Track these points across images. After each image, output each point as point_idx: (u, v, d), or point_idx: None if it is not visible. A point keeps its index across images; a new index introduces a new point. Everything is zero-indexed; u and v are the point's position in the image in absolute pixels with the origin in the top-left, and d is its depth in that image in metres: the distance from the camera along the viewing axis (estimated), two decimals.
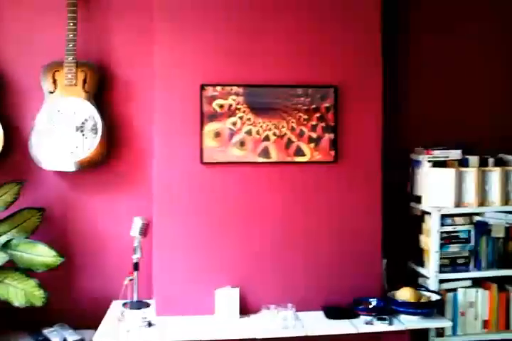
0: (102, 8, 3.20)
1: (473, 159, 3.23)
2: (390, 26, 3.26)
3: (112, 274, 3.22)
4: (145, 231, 3.14)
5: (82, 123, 3.10)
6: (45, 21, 3.17)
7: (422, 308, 2.93)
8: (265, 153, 3.04)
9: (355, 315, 2.98)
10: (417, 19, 3.48)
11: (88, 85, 3.13)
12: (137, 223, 3.13)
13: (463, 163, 3.23)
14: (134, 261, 3.13)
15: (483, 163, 3.25)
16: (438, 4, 3.50)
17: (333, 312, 3.01)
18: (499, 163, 3.29)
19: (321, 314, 3.03)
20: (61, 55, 3.08)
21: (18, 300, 2.81)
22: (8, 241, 2.98)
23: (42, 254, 2.96)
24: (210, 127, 3.02)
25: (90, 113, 3.11)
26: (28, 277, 2.86)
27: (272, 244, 3.08)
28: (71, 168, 3.10)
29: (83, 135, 3.10)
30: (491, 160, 3.25)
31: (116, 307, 3.12)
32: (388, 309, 2.98)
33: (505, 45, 3.59)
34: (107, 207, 3.24)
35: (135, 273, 3.12)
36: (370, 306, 3.01)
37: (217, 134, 3.03)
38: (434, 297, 3.01)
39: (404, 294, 2.98)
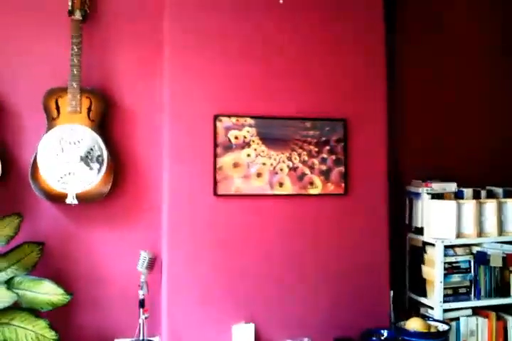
0: (107, 32, 3.10)
1: (468, 191, 3.38)
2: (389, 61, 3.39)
3: (114, 311, 3.08)
4: (152, 265, 3.02)
5: (88, 152, 2.97)
6: (46, 45, 3.03)
7: (433, 338, 2.99)
8: (280, 184, 3.04)
9: None
10: (411, 54, 3.63)
11: (93, 113, 3.01)
12: (144, 257, 3.01)
13: (458, 195, 3.37)
14: (141, 297, 3.00)
15: (475, 195, 3.40)
16: (430, 41, 3.68)
17: None
18: (490, 195, 3.45)
19: None
20: (63, 80, 2.96)
21: None
22: (11, 279, 2.77)
23: (48, 292, 2.76)
24: (225, 159, 2.98)
25: (95, 142, 2.97)
26: (37, 317, 2.66)
27: (284, 278, 3.05)
28: (73, 200, 2.95)
29: (88, 165, 2.96)
30: (483, 193, 3.41)
31: None
32: (400, 340, 3.02)
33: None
34: (110, 241, 3.09)
35: (141, 310, 3.00)
36: (383, 337, 3.05)
37: (233, 166, 3.00)
38: (441, 326, 3.08)
39: (414, 324, 3.03)
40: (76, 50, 2.98)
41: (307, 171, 3.07)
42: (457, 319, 3.21)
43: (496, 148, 3.74)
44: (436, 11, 3.68)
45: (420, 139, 3.62)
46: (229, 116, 2.98)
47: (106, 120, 3.07)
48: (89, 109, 3.01)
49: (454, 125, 3.68)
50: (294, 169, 3.06)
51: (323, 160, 3.10)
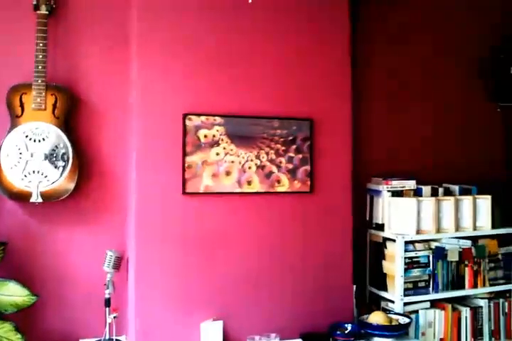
0: (74, 28, 3.04)
1: (427, 189, 3.49)
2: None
3: (79, 311, 3.03)
4: (118, 264, 2.99)
5: (52, 150, 2.91)
6: (10, 40, 2.94)
7: (396, 331, 3.09)
8: (248, 183, 3.07)
9: None
10: (376, 54, 3.71)
11: (58, 110, 2.94)
12: (110, 256, 2.98)
13: (417, 192, 3.48)
14: (107, 296, 2.97)
15: (433, 193, 3.52)
16: (390, 47, 3.76)
17: (313, 339, 3.08)
18: (447, 192, 3.58)
19: None
20: (27, 77, 2.89)
21: None
22: None
23: (12, 294, 2.71)
24: (194, 157, 2.98)
25: (60, 140, 2.92)
26: (2, 320, 2.61)
27: (251, 274, 3.08)
28: (38, 198, 2.88)
29: (52, 164, 2.90)
30: (440, 190, 3.54)
31: None
32: (363, 333, 3.11)
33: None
34: (76, 240, 3.03)
35: (107, 309, 2.97)
36: (346, 331, 3.13)
37: (202, 164, 2.99)
38: (402, 319, 3.19)
39: (377, 318, 3.12)
40: (41, 45, 2.91)
41: (274, 169, 3.11)
42: (416, 312, 3.33)
43: (452, 148, 3.88)
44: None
45: (382, 138, 3.71)
46: (198, 114, 2.98)
47: (71, 117, 3.01)
48: (54, 106, 2.94)
49: (414, 126, 3.80)
50: (261, 167, 3.09)
51: (290, 159, 3.14)
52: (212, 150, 3.01)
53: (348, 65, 3.29)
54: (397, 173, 3.57)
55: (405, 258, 3.28)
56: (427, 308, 3.35)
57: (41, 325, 2.99)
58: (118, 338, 3.01)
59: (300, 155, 3.17)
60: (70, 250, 3.04)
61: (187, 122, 2.96)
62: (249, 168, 3.06)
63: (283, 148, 3.14)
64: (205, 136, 3.00)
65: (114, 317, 2.87)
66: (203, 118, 2.99)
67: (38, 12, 2.92)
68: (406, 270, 3.28)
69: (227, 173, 3.03)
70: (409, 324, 3.15)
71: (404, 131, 3.77)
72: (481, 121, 4.00)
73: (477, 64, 3.95)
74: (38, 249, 2.99)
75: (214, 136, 3.01)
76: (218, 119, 3.02)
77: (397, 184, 3.44)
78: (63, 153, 2.93)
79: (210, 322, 2.97)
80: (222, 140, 3.03)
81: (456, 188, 3.61)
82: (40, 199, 2.89)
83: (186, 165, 2.97)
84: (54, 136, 2.92)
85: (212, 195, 3.01)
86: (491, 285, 3.50)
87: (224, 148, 3.03)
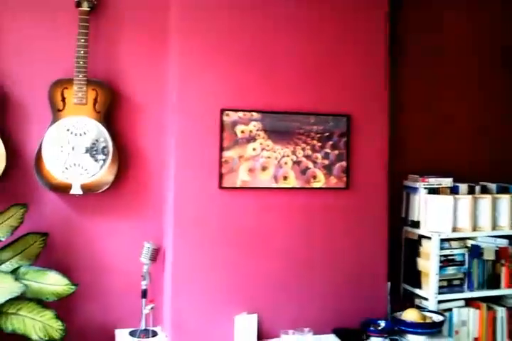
0: (114, 24, 3.09)
1: (463, 187, 3.46)
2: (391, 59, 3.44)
3: (116, 301, 3.11)
4: (155, 256, 3.05)
5: (93, 144, 2.97)
6: (52, 35, 3.00)
7: (430, 328, 3.08)
8: (284, 178, 3.09)
9: (367, 337, 3.09)
10: (415, 52, 3.69)
11: (99, 105, 3.00)
12: (147, 248, 3.04)
13: (453, 190, 3.46)
14: (143, 287, 3.03)
15: (470, 190, 3.49)
16: (431, 39, 3.73)
17: (346, 334, 3.09)
18: (484, 190, 3.55)
19: (333, 337, 3.10)
20: (69, 72, 2.95)
21: (36, 334, 2.61)
22: (16, 269, 2.77)
23: (52, 283, 2.77)
24: (231, 152, 3.01)
25: (101, 134, 2.98)
26: (44, 307, 2.67)
27: (285, 268, 3.11)
28: (79, 191, 2.95)
29: (93, 157, 2.97)
30: (477, 188, 3.51)
31: (122, 336, 3.00)
32: (396, 330, 3.11)
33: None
34: (114, 232, 3.10)
35: (143, 300, 3.03)
36: (380, 328, 3.13)
37: (239, 159, 3.03)
38: (436, 317, 3.18)
39: (411, 315, 3.12)
40: (83, 41, 2.96)
41: (310, 165, 3.12)
42: (450, 310, 3.31)
43: (491, 146, 3.84)
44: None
45: (419, 136, 3.69)
46: (236, 110, 3.01)
47: (112, 112, 3.07)
48: (95, 101, 3.00)
49: (450, 124, 3.77)
50: (297, 163, 3.10)
51: (326, 155, 3.15)
52: (249, 145, 3.04)
53: (386, 60, 3.27)
54: (435, 171, 3.55)
55: (440, 255, 3.27)
56: (461, 307, 3.33)
57: (80, 314, 3.07)
58: (154, 329, 3.08)
59: (336, 151, 3.17)
60: (108, 241, 3.11)
61: (224, 117, 3.00)
62: (286, 163, 3.08)
63: (319, 144, 3.15)
64: (242, 132, 3.03)
65: (151, 308, 2.94)
66: (240, 113, 3.02)
67: (80, 8, 2.98)
68: (441, 268, 3.27)
69: (264, 168, 3.06)
70: (443, 322, 3.13)
71: (440, 129, 3.74)
72: None
73: None
74: (78, 240, 3.06)
75: (251, 131, 3.04)
76: (255, 115, 3.04)
77: (433, 181, 3.42)
78: (103, 147, 2.99)
79: (245, 315, 3.00)
80: (258, 135, 3.05)
81: (493, 186, 3.57)
82: (80, 192, 2.95)
83: (223, 160, 3.00)
84: (95, 130, 2.98)
85: (249, 189, 3.04)
86: None
87: (260, 144, 3.05)
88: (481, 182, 3.61)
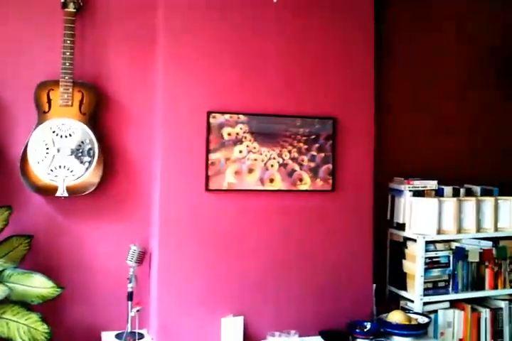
0: (101, 26, 3.09)
1: (448, 189, 3.49)
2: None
3: (102, 304, 3.10)
4: (141, 259, 3.04)
5: (79, 145, 2.96)
6: (39, 37, 3.00)
7: (415, 330, 3.10)
8: (271, 180, 3.10)
9: (353, 339, 3.10)
10: (402, 52, 3.72)
11: (85, 106, 2.99)
12: (133, 251, 3.03)
13: (438, 192, 3.48)
14: (129, 290, 3.02)
15: (455, 193, 3.53)
16: (419, 39, 3.76)
17: (332, 336, 3.09)
18: (468, 193, 3.58)
19: (319, 339, 3.10)
20: (55, 73, 2.94)
21: (20, 337, 2.60)
22: (1, 272, 2.75)
23: (38, 286, 2.76)
24: (217, 154, 3.01)
25: (87, 136, 2.97)
26: (29, 311, 2.66)
27: (272, 272, 3.11)
28: (64, 193, 2.94)
29: (78, 159, 2.95)
30: (462, 191, 3.54)
31: (108, 339, 2.98)
32: (382, 332, 3.13)
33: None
34: (99, 235, 3.09)
35: (129, 303, 3.02)
36: (366, 329, 3.14)
37: (225, 161, 3.03)
38: (421, 319, 3.20)
39: (396, 317, 3.13)
40: (68, 42, 2.96)
41: (297, 168, 3.13)
42: (435, 311, 3.33)
43: (475, 148, 3.88)
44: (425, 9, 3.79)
45: (405, 137, 3.72)
46: (222, 112, 3.01)
47: (98, 113, 3.06)
48: (80, 103, 2.99)
49: (437, 126, 3.80)
50: (284, 165, 3.11)
51: (312, 158, 3.16)
52: (236, 147, 3.04)
53: (371, 63, 3.29)
54: (419, 173, 3.58)
55: (425, 258, 3.28)
56: (446, 308, 3.35)
57: (66, 317, 3.05)
58: (140, 331, 3.07)
59: (322, 154, 3.18)
60: (94, 244, 3.10)
61: (211, 120, 3.00)
62: (272, 165, 3.09)
63: (305, 146, 3.16)
64: (229, 134, 3.03)
65: (137, 311, 2.93)
66: (226, 116, 3.02)
67: (66, 10, 2.97)
68: (426, 270, 3.28)
69: (250, 171, 3.06)
70: (428, 323, 3.15)
71: (427, 130, 3.78)
72: (505, 120, 3.99)
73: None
74: (64, 243, 3.05)
75: (237, 133, 3.04)
76: (242, 117, 3.05)
77: (418, 184, 3.44)
78: (89, 149, 2.98)
79: (231, 317, 3.00)
80: (245, 138, 3.05)
81: (477, 189, 3.61)
82: (65, 194, 2.94)
83: (210, 162, 3.00)
84: (80, 131, 2.97)
85: (235, 192, 3.04)
86: (511, 286, 3.50)
87: (247, 146, 3.05)
88: (466, 185, 3.64)
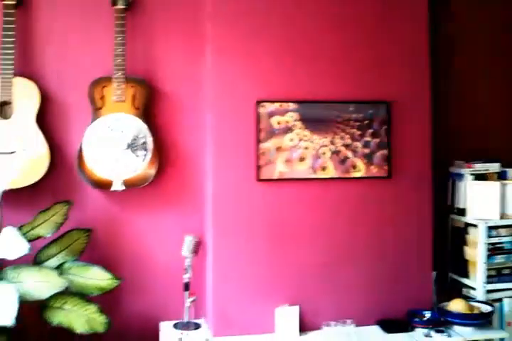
0: (151, 21, 3.11)
1: None
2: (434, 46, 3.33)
3: (159, 295, 3.16)
4: (197, 249, 3.09)
5: (133, 140, 3.01)
6: (90, 34, 3.06)
7: (477, 319, 3.01)
8: (323, 168, 3.06)
9: (412, 328, 3.04)
10: (458, 39, 3.57)
11: (138, 101, 3.04)
12: (189, 241, 3.08)
13: (501, 175, 3.35)
14: (186, 280, 3.07)
15: None
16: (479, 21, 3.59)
17: (390, 325, 3.05)
18: None
19: (377, 328, 3.07)
20: (107, 70, 3.00)
21: (80, 327, 2.69)
22: (61, 265, 2.86)
23: (96, 277, 2.85)
24: (268, 144, 3.00)
25: (141, 130, 3.02)
26: (88, 302, 2.75)
27: (327, 261, 3.09)
28: (121, 186, 3.01)
29: (133, 153, 3.01)
30: None
31: (166, 329, 3.04)
32: (442, 321, 3.05)
33: None
34: (155, 226, 3.15)
35: (186, 293, 3.07)
36: (425, 318, 3.08)
37: (276, 150, 3.01)
38: (484, 308, 3.09)
39: (457, 306, 3.05)
40: (119, 39, 3.01)
41: (350, 155, 3.07)
42: (500, 300, 3.22)
43: None
44: None
45: (465, 120, 3.56)
46: (272, 101, 2.99)
47: (150, 108, 3.10)
48: (133, 98, 3.04)
49: (498, 106, 3.64)
50: (336, 153, 3.06)
51: (366, 144, 3.09)
52: (286, 136, 3.01)
53: (427, 42, 3.18)
54: (485, 156, 3.44)
55: (488, 244, 3.17)
56: None
57: (124, 308, 3.13)
58: (197, 321, 3.12)
59: (377, 140, 3.11)
60: (150, 235, 3.16)
61: (260, 109, 2.98)
62: (324, 153, 3.05)
63: (359, 132, 3.09)
64: (279, 123, 3.01)
65: (192, 301, 2.98)
66: (276, 104, 3.00)
67: (116, 7, 3.03)
68: (489, 256, 3.17)
69: (301, 159, 3.03)
70: (491, 313, 3.05)
71: (490, 112, 3.61)
72: None
73: None
74: (121, 235, 3.13)
75: (287, 122, 3.01)
76: (292, 105, 3.02)
77: (480, 167, 3.31)
78: (143, 143, 3.03)
79: (286, 307, 3.01)
80: (295, 126, 3.02)
81: None
82: (122, 187, 3.02)
83: (260, 151, 2.99)
84: (134, 126, 3.02)
85: (287, 181, 3.02)
86: None
87: (297, 134, 3.02)
88: None
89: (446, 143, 3.49)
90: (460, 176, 3.35)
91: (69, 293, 2.78)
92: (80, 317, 2.72)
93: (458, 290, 3.33)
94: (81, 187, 3.04)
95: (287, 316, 2.99)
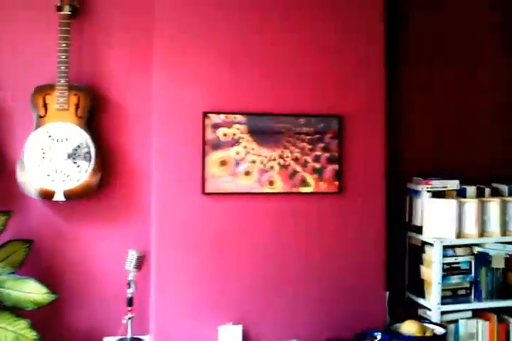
0: (97, 28, 3.04)
1: (471, 189, 3.25)
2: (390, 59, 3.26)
3: (102, 309, 3.05)
4: (140, 264, 2.98)
5: (75, 150, 2.93)
6: (34, 42, 2.98)
7: None
8: (270, 183, 2.97)
9: None
10: (417, 52, 3.48)
11: (81, 110, 2.96)
12: (132, 256, 2.98)
13: (460, 193, 3.24)
14: (129, 295, 2.97)
15: (479, 193, 3.27)
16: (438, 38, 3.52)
17: None
18: (494, 192, 3.32)
19: None
20: (51, 77, 2.92)
21: None
22: None
23: (32, 291, 2.75)
24: (214, 156, 2.91)
25: (83, 139, 2.93)
26: (19, 317, 2.65)
27: (274, 277, 2.99)
28: (62, 197, 2.92)
29: (75, 163, 2.93)
30: (487, 190, 3.28)
31: None
32: None
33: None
34: (99, 239, 3.05)
35: (130, 308, 2.97)
36: (375, 340, 2.96)
37: (222, 163, 2.93)
38: (438, 330, 2.97)
39: (410, 327, 2.92)
40: (64, 46, 2.92)
41: (299, 169, 2.98)
42: (456, 321, 3.10)
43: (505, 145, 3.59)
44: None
45: (424, 136, 3.48)
46: (218, 113, 2.91)
47: (94, 116, 3.02)
48: (77, 106, 2.96)
49: (458, 121, 3.54)
50: (285, 167, 2.97)
51: (317, 158, 3.00)
52: (233, 149, 2.92)
53: (382, 61, 3.10)
54: (443, 172, 3.34)
55: (444, 263, 3.06)
56: (468, 318, 3.11)
57: (68, 323, 3.03)
58: (143, 337, 3.01)
59: (328, 154, 3.02)
60: (94, 249, 3.06)
61: (206, 121, 2.89)
62: (272, 167, 2.95)
63: (309, 146, 3.00)
64: (225, 135, 2.92)
65: (130, 318, 2.87)
66: (222, 116, 2.91)
67: (61, 13, 2.95)
68: (444, 276, 3.06)
69: (247, 173, 2.93)
70: (444, 335, 2.93)
71: (449, 129, 3.51)
72: None
73: None
74: (63, 247, 3.02)
75: (234, 134, 2.93)
76: (238, 117, 2.93)
77: (438, 184, 3.20)
78: (86, 152, 2.95)
79: (229, 325, 2.90)
80: (242, 138, 2.93)
81: (505, 188, 3.33)
82: (63, 198, 2.92)
83: (206, 164, 2.90)
84: (76, 135, 2.93)
85: (233, 195, 2.93)
86: None
87: (245, 147, 2.93)
88: (494, 184, 3.38)
89: (406, 160, 3.41)
90: (417, 193, 3.24)
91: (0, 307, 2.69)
92: (7, 333, 2.62)
93: (414, 311, 3.21)
94: (23, 197, 2.94)
95: (230, 335, 2.87)
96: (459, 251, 3.11)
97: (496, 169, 3.50)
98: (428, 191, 3.18)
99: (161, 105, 2.91)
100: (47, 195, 2.90)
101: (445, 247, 3.07)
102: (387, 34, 3.17)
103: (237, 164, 2.92)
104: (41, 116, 2.94)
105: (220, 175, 2.91)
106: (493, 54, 3.60)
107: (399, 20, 3.40)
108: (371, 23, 3.09)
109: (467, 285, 3.11)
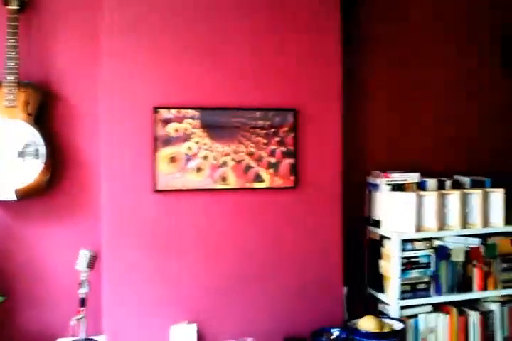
0: (46, 24, 2.95)
1: (431, 182, 3.21)
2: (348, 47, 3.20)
3: (55, 310, 2.98)
4: (92, 264, 2.91)
5: (23, 148, 2.86)
6: None
7: (387, 338, 2.85)
8: (223, 179, 2.92)
9: None
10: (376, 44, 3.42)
11: (30, 107, 2.88)
12: (84, 255, 2.92)
13: (421, 186, 3.20)
14: (81, 296, 2.90)
15: (440, 186, 3.24)
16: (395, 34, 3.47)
17: None
18: (456, 185, 3.28)
19: None
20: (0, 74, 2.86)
21: None
22: None
23: None
24: (164, 152, 2.86)
25: (32, 137, 2.86)
26: None
27: (229, 275, 2.94)
28: (12, 196, 2.86)
29: (24, 161, 2.86)
30: (448, 183, 3.24)
31: None
32: (351, 339, 2.90)
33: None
34: (50, 239, 2.98)
35: (82, 309, 2.92)
36: (332, 337, 2.92)
37: (172, 160, 2.87)
38: (397, 325, 2.94)
39: (367, 324, 2.89)
40: (12, 41, 2.84)
41: (253, 164, 2.93)
42: (415, 316, 3.07)
43: (468, 138, 3.56)
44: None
45: (385, 129, 3.42)
46: (168, 108, 2.85)
47: (45, 114, 2.94)
48: (25, 103, 2.88)
49: (421, 114, 3.50)
50: (239, 162, 2.92)
51: (272, 152, 2.95)
52: (184, 144, 2.87)
53: (339, 52, 3.05)
54: (404, 166, 3.31)
55: (403, 258, 3.02)
56: (427, 312, 3.08)
57: (19, 325, 2.95)
58: (97, 338, 2.96)
59: (283, 148, 2.97)
60: (45, 249, 2.99)
61: (157, 116, 2.83)
62: (224, 163, 2.90)
63: (264, 140, 2.95)
64: (176, 130, 2.86)
65: (79, 319, 2.81)
66: (173, 111, 2.85)
67: (8, 7, 2.88)
68: (403, 271, 3.03)
69: (200, 169, 2.88)
70: (402, 330, 2.90)
71: (409, 120, 3.47)
72: (498, 104, 3.64)
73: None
74: (13, 248, 2.95)
75: (186, 129, 2.87)
76: (191, 112, 2.87)
77: (397, 177, 3.16)
78: (36, 150, 2.88)
79: (183, 324, 2.85)
80: (195, 134, 2.88)
81: (467, 180, 3.30)
82: (13, 197, 2.86)
83: (157, 160, 2.85)
84: (26, 133, 2.86)
85: (185, 192, 2.87)
86: (504, 287, 3.19)
87: (197, 143, 2.88)
88: (456, 177, 3.34)
89: (365, 154, 3.37)
90: (376, 186, 3.20)
91: None
92: None
93: (375, 306, 3.18)
94: None
95: (184, 334, 2.83)
96: (418, 244, 3.07)
97: (458, 161, 3.49)
98: (388, 184, 3.15)
99: (109, 101, 2.83)
100: None
101: (404, 241, 3.04)
102: (344, 23, 3.12)
103: (188, 160, 2.87)
104: None
105: (171, 171, 2.85)
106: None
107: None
108: (327, 13, 3.03)
109: (427, 279, 3.07)
